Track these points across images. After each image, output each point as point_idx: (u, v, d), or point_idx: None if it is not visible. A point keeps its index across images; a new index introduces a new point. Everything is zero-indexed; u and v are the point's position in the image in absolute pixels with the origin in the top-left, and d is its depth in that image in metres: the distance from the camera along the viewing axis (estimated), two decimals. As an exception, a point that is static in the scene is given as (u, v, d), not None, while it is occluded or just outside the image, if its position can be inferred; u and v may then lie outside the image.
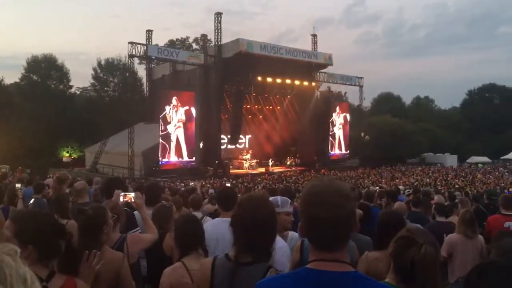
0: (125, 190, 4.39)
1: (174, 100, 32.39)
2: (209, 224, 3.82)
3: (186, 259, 2.78)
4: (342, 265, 1.37)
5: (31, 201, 5.96)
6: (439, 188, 19.78)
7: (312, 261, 1.42)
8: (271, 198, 3.53)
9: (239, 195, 4.35)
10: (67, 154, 45.39)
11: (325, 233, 1.38)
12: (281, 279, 1.51)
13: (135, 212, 4.08)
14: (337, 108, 43.97)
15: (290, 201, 3.50)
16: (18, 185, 6.10)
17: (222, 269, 2.01)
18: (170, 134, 32.34)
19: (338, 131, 44.10)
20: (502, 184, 22.60)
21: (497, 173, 33.06)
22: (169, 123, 32.18)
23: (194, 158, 33.91)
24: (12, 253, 0.68)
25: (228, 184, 16.25)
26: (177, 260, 2.86)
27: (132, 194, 3.92)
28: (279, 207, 3.33)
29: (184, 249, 2.87)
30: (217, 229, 3.67)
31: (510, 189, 15.25)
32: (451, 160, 51.47)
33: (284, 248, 3.10)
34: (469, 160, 51.98)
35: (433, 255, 1.88)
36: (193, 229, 2.93)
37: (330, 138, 43.02)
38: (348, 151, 45.31)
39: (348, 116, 45.11)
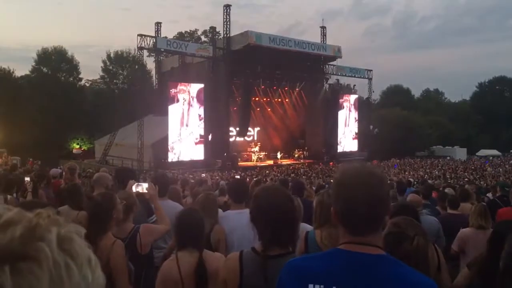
0: (136, 180, 4.39)
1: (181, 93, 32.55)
2: (221, 217, 3.85)
3: (180, 252, 2.72)
4: (374, 248, 1.37)
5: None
6: (449, 181, 19.67)
7: (344, 243, 1.42)
8: None
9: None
10: (77, 146, 45.69)
11: (361, 215, 1.35)
12: (311, 259, 1.51)
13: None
14: (346, 101, 43.76)
15: None
16: (27, 179, 6.05)
17: (251, 262, 1.97)
18: (180, 127, 32.53)
19: (347, 124, 43.89)
20: (513, 178, 22.34)
21: (507, 166, 32.62)
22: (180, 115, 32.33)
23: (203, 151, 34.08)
24: (80, 234, 0.68)
25: (238, 177, 16.21)
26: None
27: (146, 185, 3.93)
28: None
29: (180, 242, 2.80)
30: (230, 221, 3.70)
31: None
32: (460, 153, 50.84)
33: None
34: (478, 153, 51.34)
35: (425, 246, 1.90)
36: (189, 225, 2.79)
37: (339, 131, 42.84)
38: (357, 144, 45.11)
39: (357, 108, 44.90)
